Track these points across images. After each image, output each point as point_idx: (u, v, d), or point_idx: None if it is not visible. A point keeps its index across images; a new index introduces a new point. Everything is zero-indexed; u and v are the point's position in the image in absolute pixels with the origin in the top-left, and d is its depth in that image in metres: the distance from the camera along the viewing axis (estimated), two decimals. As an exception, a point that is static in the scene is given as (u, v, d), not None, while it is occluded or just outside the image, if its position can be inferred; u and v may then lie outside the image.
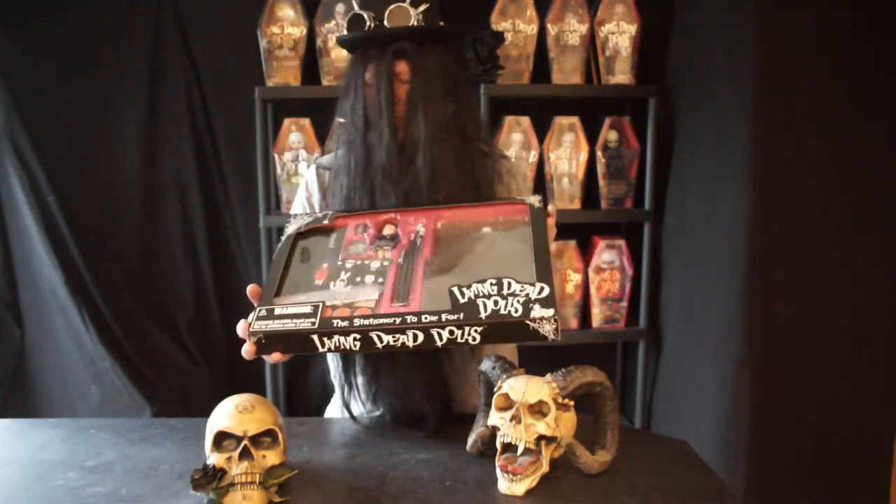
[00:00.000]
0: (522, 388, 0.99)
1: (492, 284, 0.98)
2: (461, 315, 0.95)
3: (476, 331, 0.94)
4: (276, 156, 2.25)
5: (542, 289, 0.98)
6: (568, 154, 2.30)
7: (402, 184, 1.18)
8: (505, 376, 1.04)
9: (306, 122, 2.25)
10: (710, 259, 1.99)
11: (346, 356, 1.24)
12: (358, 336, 0.96)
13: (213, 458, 0.96)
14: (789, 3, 1.76)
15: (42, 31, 2.24)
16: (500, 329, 0.94)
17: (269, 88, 2.22)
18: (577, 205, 2.32)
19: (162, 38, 2.30)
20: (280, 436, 1.00)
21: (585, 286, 2.35)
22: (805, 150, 1.79)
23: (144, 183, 2.36)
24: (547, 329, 0.94)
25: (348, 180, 1.21)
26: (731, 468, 1.85)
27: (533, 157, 2.26)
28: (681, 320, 2.21)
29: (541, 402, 0.98)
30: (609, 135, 2.31)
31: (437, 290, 1.00)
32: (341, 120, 1.28)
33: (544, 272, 1.00)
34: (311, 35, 2.21)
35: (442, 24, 1.26)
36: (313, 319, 0.99)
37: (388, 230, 1.14)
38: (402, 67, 1.20)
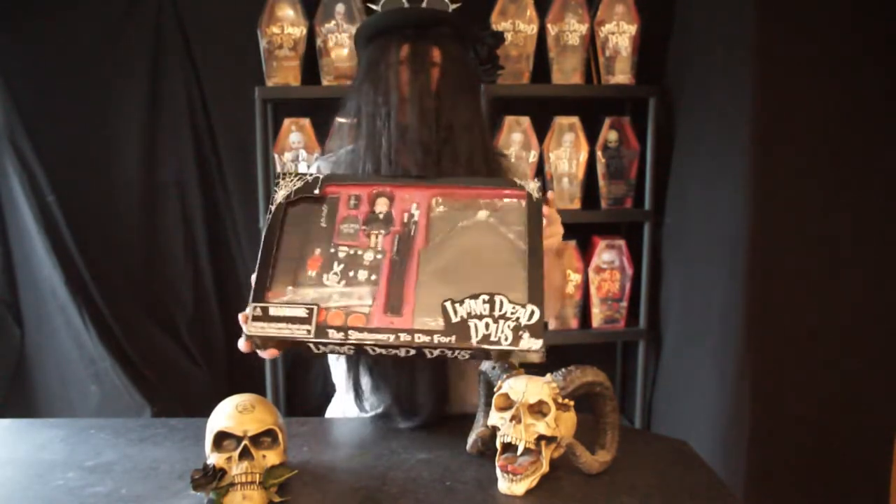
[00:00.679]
0: (522, 388, 0.99)
1: (484, 302, 1.00)
2: (453, 339, 0.97)
3: (466, 352, 0.98)
4: (276, 156, 2.25)
5: (532, 313, 0.99)
6: (568, 154, 2.30)
7: (440, 165, 1.15)
8: (505, 376, 1.04)
9: (306, 122, 2.25)
10: (710, 259, 1.99)
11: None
12: (352, 346, 0.99)
13: (213, 458, 0.96)
14: (789, 3, 1.76)
15: (42, 31, 2.24)
16: (489, 353, 0.98)
17: (269, 88, 2.22)
18: (577, 205, 2.31)
19: (162, 38, 2.30)
20: (280, 436, 1.00)
21: (585, 286, 2.35)
22: (805, 150, 1.79)
23: (144, 183, 2.36)
24: (533, 357, 0.97)
25: (374, 156, 1.17)
26: (731, 468, 1.85)
27: (533, 157, 2.26)
28: (681, 320, 2.21)
29: (541, 402, 0.98)
30: (609, 135, 2.31)
31: (429, 302, 1.01)
32: (349, 119, 1.26)
33: (536, 286, 1.01)
34: (311, 35, 2.21)
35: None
36: (308, 327, 0.99)
37: (381, 206, 1.11)
38: (437, 53, 1.19)
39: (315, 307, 1.01)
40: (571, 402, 1.01)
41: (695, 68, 2.11)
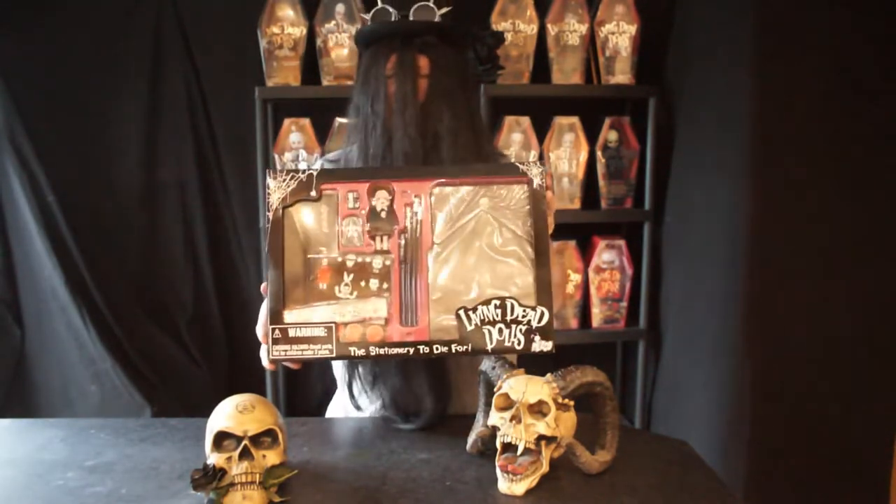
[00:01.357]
0: (522, 388, 0.99)
1: (496, 307, 1.03)
2: (469, 346, 1.02)
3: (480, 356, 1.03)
4: (276, 156, 2.25)
5: (542, 314, 1.03)
6: (568, 154, 2.30)
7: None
8: (505, 376, 1.04)
9: (306, 122, 2.25)
10: (710, 259, 1.99)
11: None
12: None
13: (213, 458, 0.95)
14: (789, 3, 1.76)
15: (42, 32, 2.24)
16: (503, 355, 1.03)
17: (269, 88, 2.22)
18: (577, 205, 2.32)
19: (162, 38, 2.30)
20: (280, 436, 1.00)
21: (585, 286, 2.35)
22: (804, 150, 1.79)
23: (144, 183, 2.36)
24: (544, 352, 1.02)
25: (364, 161, 1.21)
26: (731, 468, 1.85)
27: (533, 157, 2.26)
28: (681, 320, 2.21)
29: (541, 402, 0.98)
30: (609, 135, 2.31)
31: (443, 309, 1.03)
32: (351, 119, 1.28)
33: (543, 287, 1.04)
34: (311, 35, 2.21)
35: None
36: (330, 346, 1.02)
37: (382, 201, 1.09)
38: (424, 62, 1.22)
39: (333, 325, 1.03)
40: (571, 402, 1.01)
41: (695, 68, 2.11)
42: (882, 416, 1.86)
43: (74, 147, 2.30)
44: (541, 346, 1.01)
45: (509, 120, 2.25)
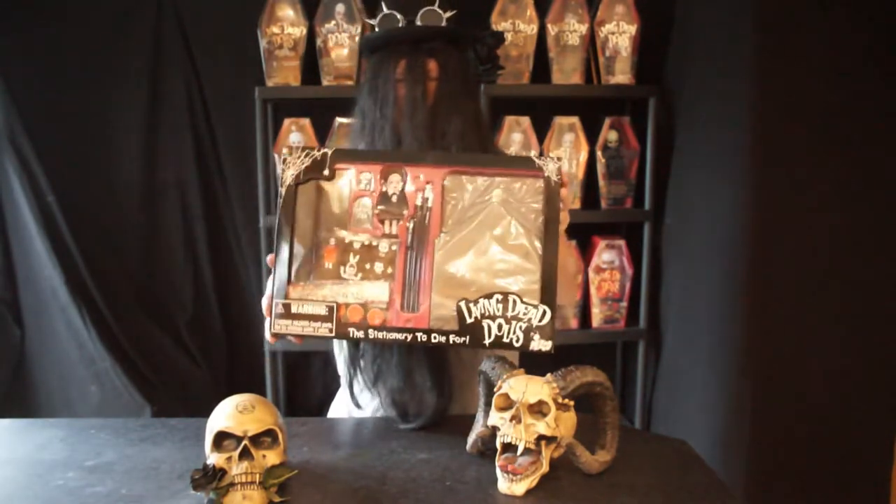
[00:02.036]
0: (522, 388, 0.99)
1: (498, 302, 1.02)
2: (467, 338, 1.02)
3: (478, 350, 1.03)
4: (276, 156, 2.25)
5: (543, 313, 1.02)
6: (568, 154, 2.30)
7: None
8: (505, 376, 1.04)
9: (306, 122, 2.25)
10: (710, 259, 1.99)
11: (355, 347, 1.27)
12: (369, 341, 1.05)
13: (213, 458, 0.95)
14: (789, 3, 1.76)
15: (42, 32, 2.24)
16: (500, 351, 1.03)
17: (269, 88, 2.22)
18: (577, 205, 2.31)
19: (162, 38, 2.30)
20: (280, 436, 1.00)
21: (585, 286, 2.35)
22: (805, 150, 1.79)
23: (144, 183, 2.36)
24: (542, 352, 1.02)
25: None
26: (731, 468, 1.85)
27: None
28: (681, 320, 2.21)
29: (541, 402, 0.98)
30: (609, 135, 2.31)
31: (444, 299, 1.03)
32: (356, 123, 1.29)
33: (549, 286, 1.03)
34: (311, 35, 2.21)
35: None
36: (330, 325, 1.03)
37: (394, 185, 1.08)
38: (433, 66, 1.24)
39: (335, 304, 1.04)
40: (571, 402, 1.01)
41: (695, 68, 2.11)
42: (882, 416, 1.86)
43: (74, 147, 2.30)
44: (540, 345, 1.01)
45: (509, 120, 2.25)
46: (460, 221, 1.07)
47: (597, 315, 2.37)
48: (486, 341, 1.01)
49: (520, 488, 0.97)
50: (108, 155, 2.33)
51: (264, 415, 1.00)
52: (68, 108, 2.29)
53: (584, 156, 2.29)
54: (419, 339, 1.02)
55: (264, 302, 1.10)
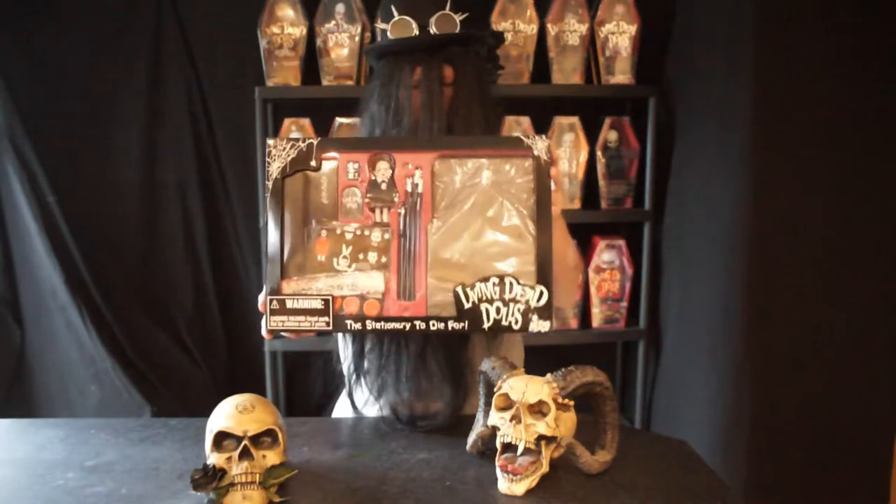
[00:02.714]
0: (522, 388, 0.99)
1: (495, 285, 1.01)
2: (466, 324, 1.01)
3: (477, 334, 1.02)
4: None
5: (541, 294, 1.01)
6: (568, 154, 2.30)
7: None
8: (505, 376, 1.04)
9: (306, 122, 2.25)
10: (710, 259, 1.99)
11: (359, 342, 1.26)
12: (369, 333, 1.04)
13: (213, 458, 0.96)
14: (789, 2, 1.76)
15: (42, 32, 2.24)
16: (500, 334, 1.02)
17: (269, 88, 2.22)
18: (577, 205, 2.32)
19: (162, 38, 2.30)
20: (280, 436, 1.00)
21: (585, 286, 2.35)
22: (805, 150, 1.79)
23: (144, 183, 2.36)
24: (541, 332, 1.01)
25: None
26: (731, 468, 1.85)
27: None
28: (681, 320, 2.21)
29: (541, 402, 0.98)
30: (609, 135, 2.31)
31: (441, 284, 1.03)
32: (363, 128, 1.27)
33: (544, 265, 1.02)
34: (311, 35, 2.21)
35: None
36: (326, 318, 1.03)
37: (383, 172, 1.07)
38: (449, 72, 1.23)
39: (330, 297, 1.03)
40: (571, 402, 1.01)
41: (695, 68, 2.11)
42: (882, 416, 1.86)
43: (74, 147, 2.30)
44: (538, 326, 1.01)
45: (509, 120, 2.25)
46: (452, 205, 1.06)
47: (597, 315, 2.37)
48: (485, 325, 1.01)
49: (520, 488, 0.98)
50: (108, 155, 2.33)
51: (264, 415, 1.00)
52: (68, 108, 2.28)
53: (584, 156, 2.29)
54: (417, 328, 1.02)
55: (260, 298, 1.09)
